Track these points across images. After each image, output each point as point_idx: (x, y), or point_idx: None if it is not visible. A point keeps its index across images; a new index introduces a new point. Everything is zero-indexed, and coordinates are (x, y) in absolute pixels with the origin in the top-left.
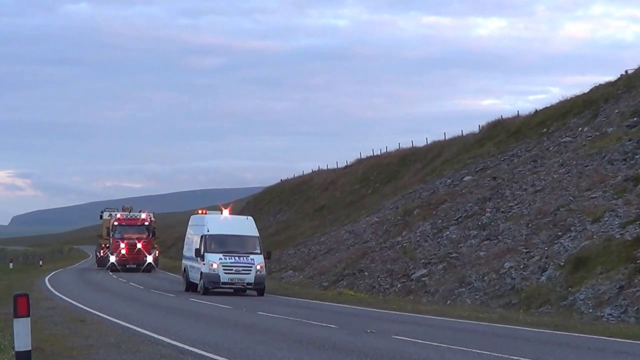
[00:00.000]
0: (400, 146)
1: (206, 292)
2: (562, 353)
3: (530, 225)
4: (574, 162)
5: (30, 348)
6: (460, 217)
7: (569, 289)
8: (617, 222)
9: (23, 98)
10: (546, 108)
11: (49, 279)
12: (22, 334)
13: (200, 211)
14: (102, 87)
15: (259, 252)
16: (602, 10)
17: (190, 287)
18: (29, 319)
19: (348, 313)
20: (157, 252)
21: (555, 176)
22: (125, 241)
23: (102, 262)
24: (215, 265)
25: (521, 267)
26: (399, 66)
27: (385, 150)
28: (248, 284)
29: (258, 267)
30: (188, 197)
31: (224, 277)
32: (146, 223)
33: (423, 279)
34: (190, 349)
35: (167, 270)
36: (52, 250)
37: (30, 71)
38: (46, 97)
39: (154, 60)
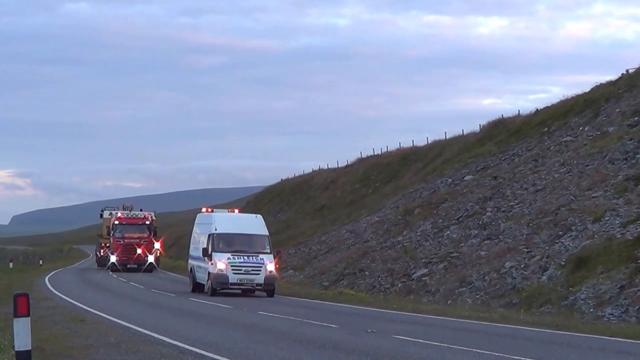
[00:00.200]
0: (401, 145)
1: (214, 293)
2: (563, 353)
3: (531, 224)
4: (575, 162)
5: (30, 348)
6: (461, 216)
7: (570, 288)
8: (618, 222)
9: (23, 97)
10: (547, 107)
11: (49, 279)
12: (22, 334)
13: (206, 209)
14: (102, 87)
15: (268, 251)
16: (603, 9)
17: (197, 287)
18: (29, 318)
19: (349, 313)
20: (159, 251)
21: (556, 175)
22: (126, 240)
23: (102, 261)
24: (223, 266)
25: (522, 266)
26: (399, 65)
27: (385, 150)
28: (258, 284)
29: (268, 267)
30: (188, 197)
31: (233, 278)
32: (147, 222)
33: (424, 278)
34: (191, 348)
35: (168, 269)
36: (52, 250)
37: (30, 70)
38: (46, 96)
39: (154, 59)
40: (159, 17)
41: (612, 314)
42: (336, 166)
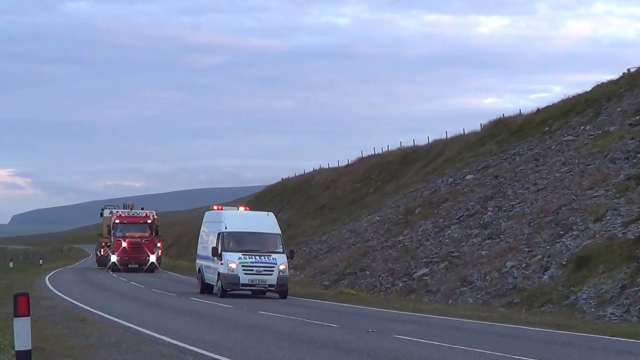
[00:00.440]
0: (402, 145)
1: (224, 294)
2: (564, 352)
3: (532, 224)
4: (576, 161)
5: (30, 347)
6: (462, 216)
7: (571, 288)
8: (619, 221)
9: (23, 97)
10: (548, 106)
11: (49, 278)
12: (22, 334)
13: (215, 207)
14: (102, 86)
15: (281, 250)
16: (604, 8)
17: (206, 288)
18: (29, 318)
19: (349, 312)
20: (160, 251)
21: (557, 175)
22: (127, 240)
23: (102, 261)
24: (234, 266)
25: (523, 266)
26: (400, 64)
27: (386, 149)
28: (270, 285)
29: (281, 267)
30: (188, 196)
31: (244, 278)
32: (149, 221)
33: (424, 278)
34: (191, 348)
35: (168, 269)
36: (52, 249)
37: (31, 70)
38: (46, 95)
39: (154, 58)
40: (159, 16)
41: (613, 314)
42: (337, 165)
